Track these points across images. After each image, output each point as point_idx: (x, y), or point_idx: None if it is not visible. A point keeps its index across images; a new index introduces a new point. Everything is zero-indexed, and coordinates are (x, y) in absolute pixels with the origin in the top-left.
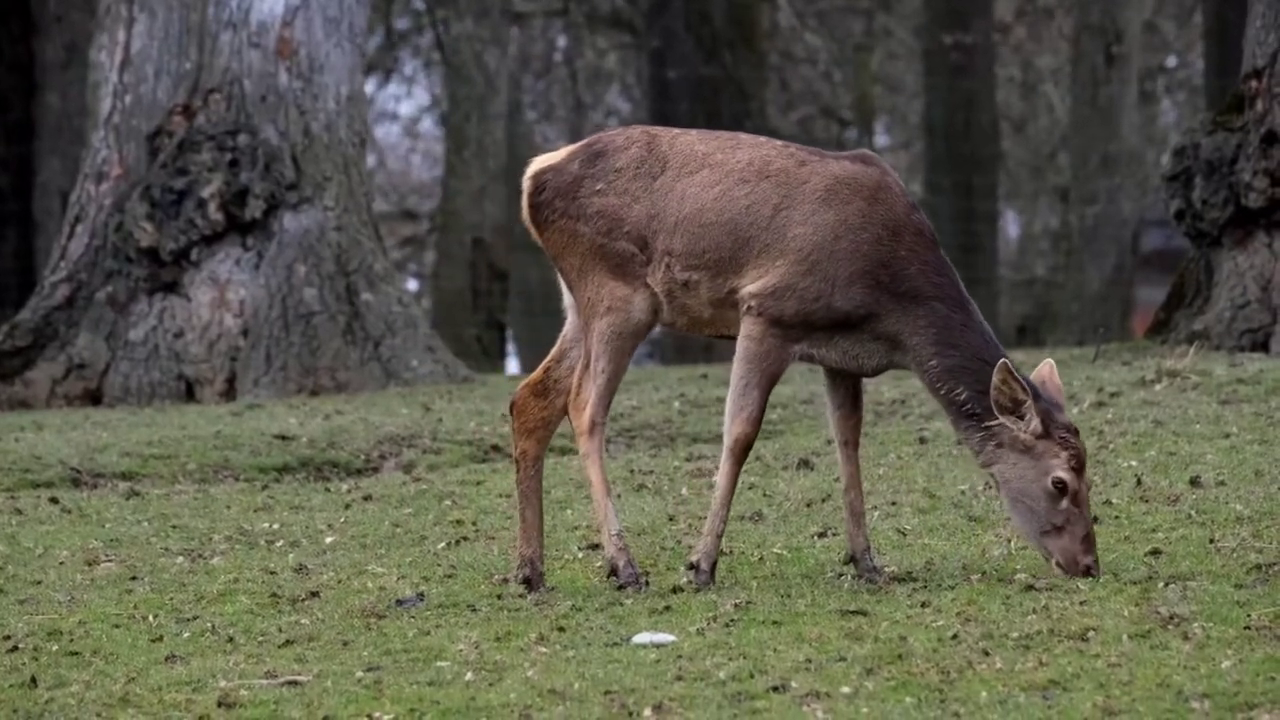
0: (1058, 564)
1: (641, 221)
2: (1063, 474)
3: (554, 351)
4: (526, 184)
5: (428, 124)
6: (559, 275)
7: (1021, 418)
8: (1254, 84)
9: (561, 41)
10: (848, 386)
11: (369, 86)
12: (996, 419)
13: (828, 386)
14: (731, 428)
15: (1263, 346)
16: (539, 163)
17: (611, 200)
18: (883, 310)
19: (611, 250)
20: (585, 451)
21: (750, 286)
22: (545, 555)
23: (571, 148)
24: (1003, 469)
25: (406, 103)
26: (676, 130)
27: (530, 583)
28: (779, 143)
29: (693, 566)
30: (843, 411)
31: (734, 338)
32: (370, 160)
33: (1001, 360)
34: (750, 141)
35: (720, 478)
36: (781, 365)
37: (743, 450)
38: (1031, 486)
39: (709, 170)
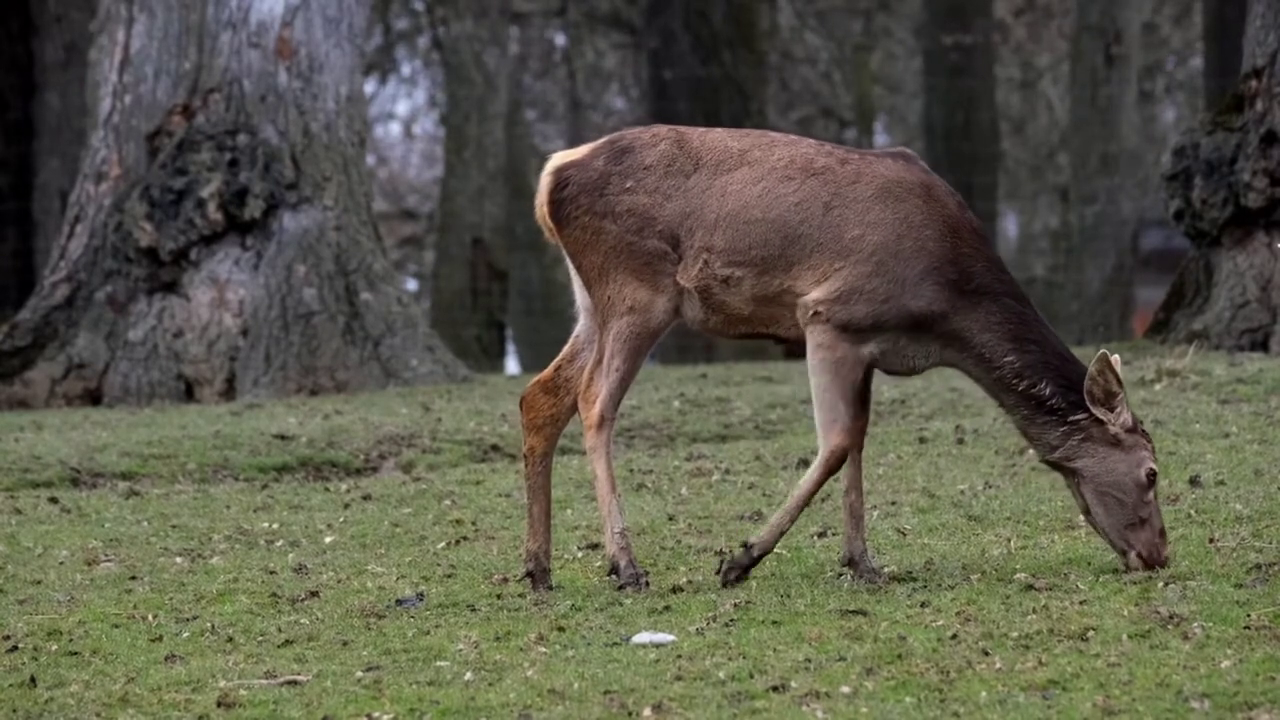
0: (1138, 555)
1: (674, 219)
2: (1154, 466)
3: (565, 350)
4: (547, 180)
5: (427, 124)
6: (574, 273)
7: (1112, 410)
8: (1253, 84)
9: (560, 41)
10: (859, 390)
11: (368, 86)
12: (1081, 413)
13: None
14: (828, 439)
15: (1262, 346)
16: (561, 159)
17: (642, 199)
18: (951, 309)
19: (641, 248)
20: (592, 446)
21: (814, 293)
22: (560, 556)
23: (594, 144)
24: (1089, 463)
25: (404, 102)
26: (702, 128)
27: (534, 578)
28: (813, 140)
29: (747, 545)
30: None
31: (771, 336)
32: (370, 160)
33: (1102, 352)
34: (784, 139)
35: (805, 481)
36: (858, 369)
37: (838, 462)
38: (1124, 479)
39: (749, 167)
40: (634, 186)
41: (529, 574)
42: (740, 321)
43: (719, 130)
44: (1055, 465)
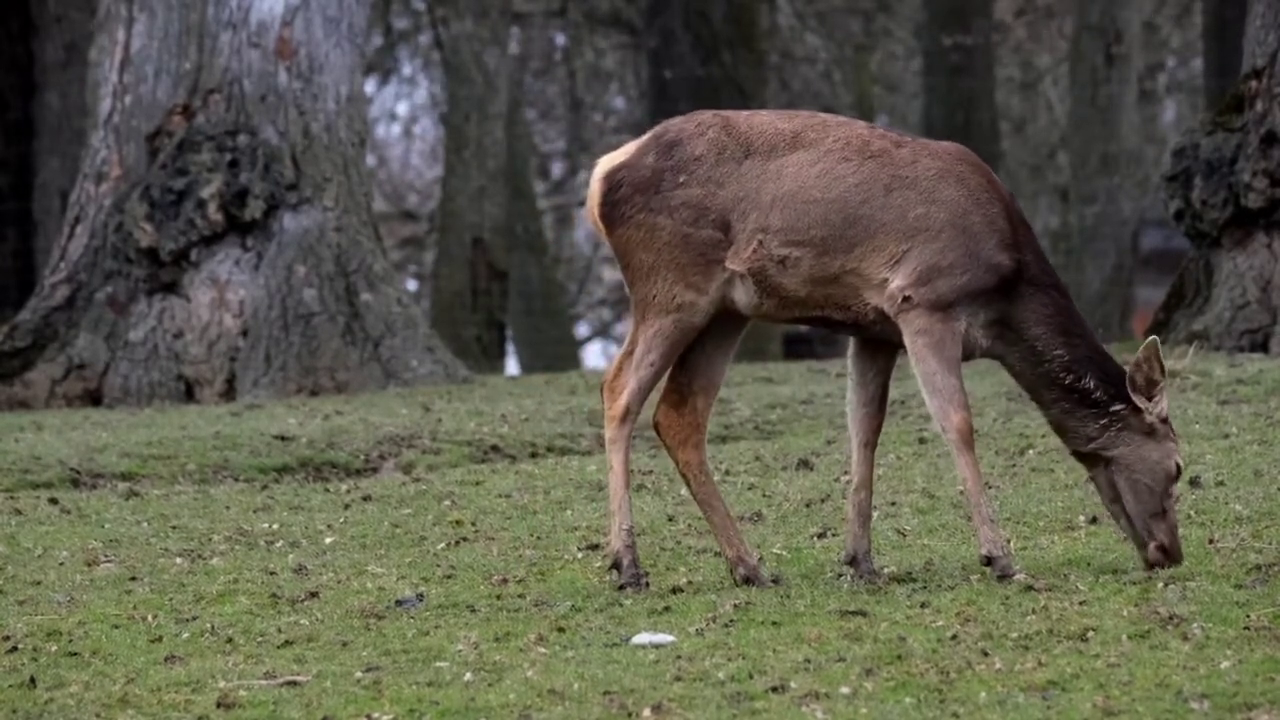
0: (1158, 546)
1: (727, 205)
2: (1180, 460)
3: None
4: (598, 185)
5: (427, 124)
6: (622, 271)
7: (1151, 398)
8: (1254, 84)
9: (560, 41)
10: (878, 385)
11: (368, 86)
12: (1120, 404)
13: (855, 384)
14: (948, 422)
15: (1262, 347)
16: (609, 162)
17: (695, 190)
18: (1014, 292)
19: (696, 239)
20: (612, 438)
21: (895, 280)
22: (560, 556)
23: (639, 142)
24: (1125, 451)
25: (404, 102)
26: (745, 111)
27: (750, 580)
28: (862, 123)
29: (989, 560)
30: (869, 411)
31: (824, 320)
32: (370, 160)
33: (1152, 339)
34: (835, 120)
35: (963, 471)
36: (958, 345)
37: (968, 437)
38: (1156, 468)
39: (804, 150)
40: (687, 180)
41: (745, 579)
42: (795, 304)
43: (765, 112)
44: (1087, 455)
